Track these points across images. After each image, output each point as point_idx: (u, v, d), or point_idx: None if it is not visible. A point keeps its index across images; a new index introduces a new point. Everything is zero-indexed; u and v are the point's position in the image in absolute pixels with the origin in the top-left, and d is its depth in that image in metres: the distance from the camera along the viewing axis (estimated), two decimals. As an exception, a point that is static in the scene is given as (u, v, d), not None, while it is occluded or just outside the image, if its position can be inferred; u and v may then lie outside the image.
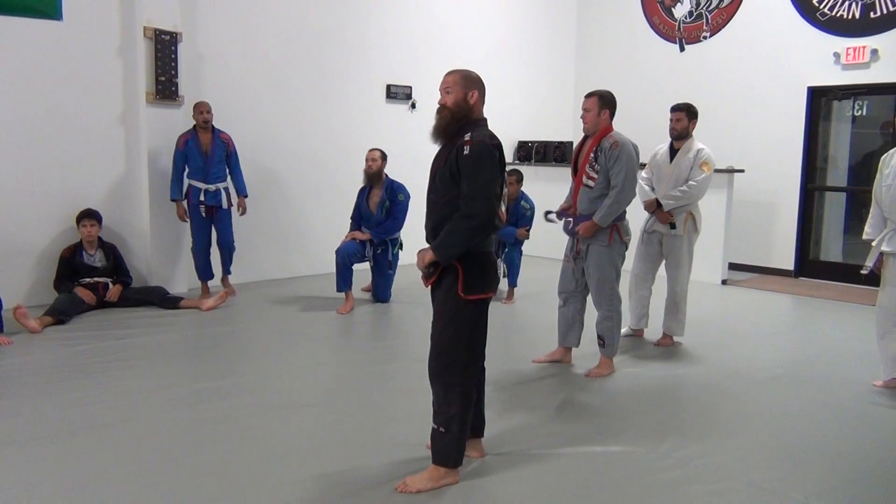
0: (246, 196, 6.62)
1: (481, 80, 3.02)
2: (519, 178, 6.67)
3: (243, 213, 6.61)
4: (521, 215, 6.64)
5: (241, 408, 3.85)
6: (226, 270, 6.71)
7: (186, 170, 6.30)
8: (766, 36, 8.58)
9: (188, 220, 6.40)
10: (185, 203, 6.35)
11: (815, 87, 8.21)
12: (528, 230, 6.66)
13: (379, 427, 3.63)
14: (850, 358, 5.09)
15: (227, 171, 6.50)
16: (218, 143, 6.39)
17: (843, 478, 3.21)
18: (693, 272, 5.41)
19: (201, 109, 6.31)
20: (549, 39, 10.28)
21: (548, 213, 5.01)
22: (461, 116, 2.93)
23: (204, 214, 6.38)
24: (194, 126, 6.34)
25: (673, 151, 5.23)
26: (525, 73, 9.91)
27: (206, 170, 6.32)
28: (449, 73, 3.00)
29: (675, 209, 5.14)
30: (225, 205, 6.46)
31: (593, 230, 4.41)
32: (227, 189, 6.49)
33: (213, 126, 6.38)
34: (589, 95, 4.45)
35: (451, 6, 8.89)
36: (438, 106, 2.98)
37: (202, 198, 6.33)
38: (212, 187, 6.36)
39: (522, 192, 6.73)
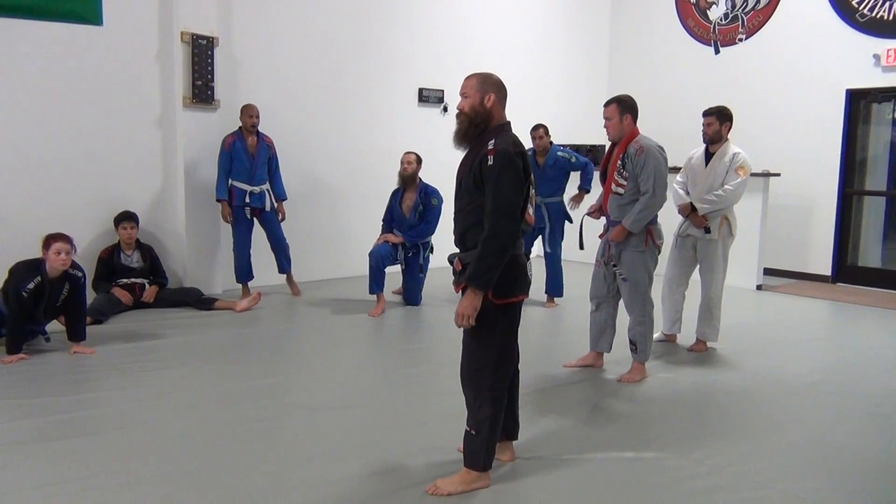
0: (285, 200, 6.71)
1: (500, 83, 2.98)
2: (546, 131, 6.67)
3: (283, 218, 6.71)
4: (561, 168, 6.67)
5: (273, 408, 3.89)
6: (285, 268, 6.78)
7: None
8: (803, 38, 8.44)
9: (231, 220, 6.47)
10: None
11: (853, 89, 8.05)
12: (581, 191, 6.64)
13: (410, 429, 3.64)
14: (890, 365, 4.98)
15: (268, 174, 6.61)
16: (262, 146, 6.50)
17: (881, 489, 3.14)
18: (728, 277, 5.34)
19: (250, 113, 6.41)
20: (582, 42, 10.22)
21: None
22: (479, 121, 2.92)
23: (249, 216, 6.49)
24: (240, 128, 6.44)
25: (708, 155, 5.17)
26: (558, 77, 9.87)
27: (251, 172, 6.41)
28: (467, 78, 2.99)
29: (710, 213, 5.09)
30: (268, 206, 6.56)
31: (624, 235, 4.38)
32: (269, 191, 6.59)
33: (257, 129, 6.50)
34: (608, 103, 4.42)
35: (483, 9, 8.89)
36: (457, 111, 2.99)
37: (247, 199, 6.42)
38: (256, 189, 6.46)
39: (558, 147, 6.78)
